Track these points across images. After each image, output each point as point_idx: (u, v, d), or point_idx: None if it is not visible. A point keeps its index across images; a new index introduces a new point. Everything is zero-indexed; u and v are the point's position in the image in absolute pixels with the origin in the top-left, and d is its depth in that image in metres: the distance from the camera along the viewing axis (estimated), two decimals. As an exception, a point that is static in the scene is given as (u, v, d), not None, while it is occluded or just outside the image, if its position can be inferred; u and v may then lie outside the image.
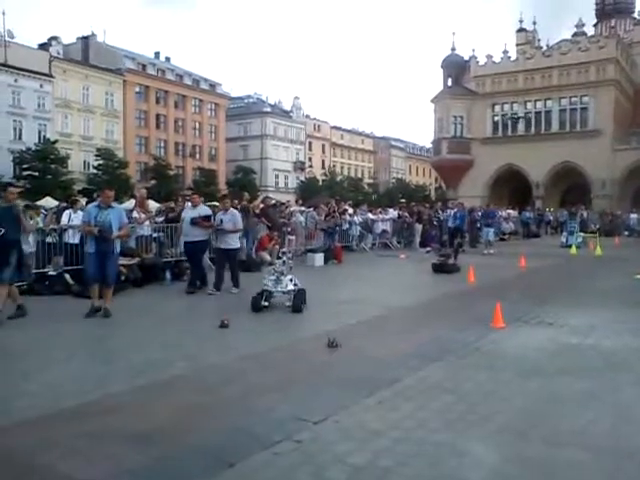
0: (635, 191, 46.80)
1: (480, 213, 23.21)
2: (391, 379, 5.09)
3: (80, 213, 10.59)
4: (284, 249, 9.62)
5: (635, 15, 59.28)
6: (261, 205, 16.33)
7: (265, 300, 8.44)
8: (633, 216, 35.04)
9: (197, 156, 64.35)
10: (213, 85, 67.94)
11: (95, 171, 47.94)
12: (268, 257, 15.18)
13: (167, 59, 66.90)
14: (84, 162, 52.31)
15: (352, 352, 6.20)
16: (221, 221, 10.39)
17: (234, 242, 10.80)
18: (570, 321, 7.84)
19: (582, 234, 24.27)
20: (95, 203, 8.55)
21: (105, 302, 8.07)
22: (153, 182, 50.73)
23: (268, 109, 74.68)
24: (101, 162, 48.24)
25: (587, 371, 5.51)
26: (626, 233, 32.76)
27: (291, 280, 8.70)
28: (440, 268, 13.54)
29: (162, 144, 61.76)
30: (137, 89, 58.93)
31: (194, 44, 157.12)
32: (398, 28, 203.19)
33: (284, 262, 8.90)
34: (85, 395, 4.67)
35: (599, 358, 5.99)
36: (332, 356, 6.03)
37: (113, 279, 8.32)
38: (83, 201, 13.82)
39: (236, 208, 12.35)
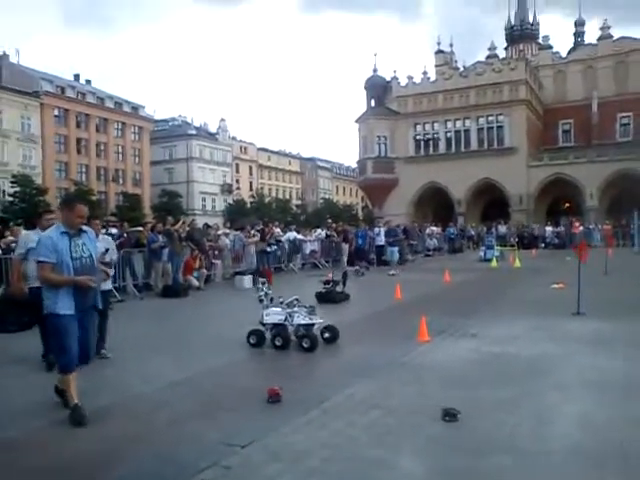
0: (549, 205, 49.32)
1: (383, 231, 22.35)
2: (320, 398, 5.08)
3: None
4: (262, 280, 8.53)
5: (540, 41, 62.90)
6: (187, 228, 16.12)
7: (327, 332, 7.64)
8: (548, 229, 36.92)
9: (120, 181, 62.80)
10: (136, 108, 66.69)
11: (11, 199, 45.84)
12: (196, 282, 14.96)
13: (87, 82, 65.17)
14: (-1, 189, 49.98)
15: (280, 373, 6.16)
16: (106, 251, 6.21)
17: (108, 280, 7.06)
18: (492, 332, 8.12)
19: (500, 248, 25.20)
20: (58, 228, 4.85)
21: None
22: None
23: (193, 132, 74.00)
24: (17, 189, 46.16)
25: (510, 379, 5.71)
26: (542, 245, 34.38)
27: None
28: (325, 297, 11.56)
29: (83, 169, 59.92)
30: (56, 112, 56.96)
31: (114, 67, 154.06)
32: (322, 50, 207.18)
33: (265, 293, 7.88)
34: (-2, 434, 4.41)
35: (521, 366, 6.22)
36: (259, 379, 5.97)
37: (95, 352, 5.33)
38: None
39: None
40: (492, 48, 56.60)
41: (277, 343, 7.37)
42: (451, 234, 33.40)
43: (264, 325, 7.60)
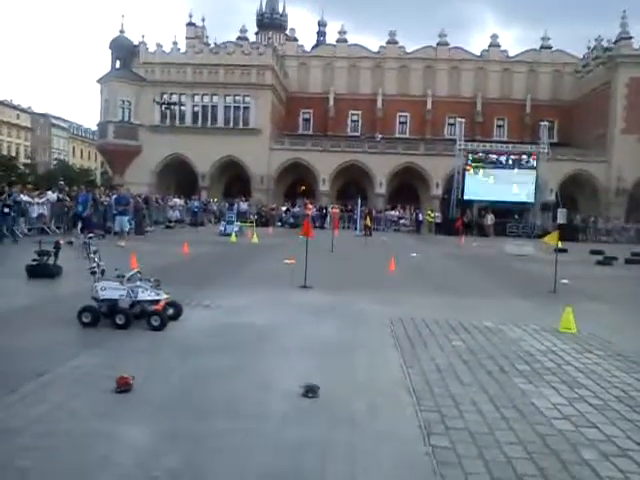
0: (288, 186, 52.37)
1: (113, 198, 20.93)
2: (39, 370, 4.71)
3: None
4: (94, 249, 7.09)
5: (287, 32, 66.18)
6: None
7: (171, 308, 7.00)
8: (285, 209, 39.32)
9: None
10: None
11: None
12: None
13: None
14: None
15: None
16: None
17: None
18: (225, 302, 8.37)
19: (239, 223, 26.05)
20: None
21: None
22: None
23: None
24: None
25: (239, 346, 5.97)
26: (279, 224, 36.47)
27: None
28: (37, 271, 10.04)
29: None
30: None
31: None
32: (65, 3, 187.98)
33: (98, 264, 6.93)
34: None
35: (250, 334, 6.54)
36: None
37: None
38: None
39: None
40: (243, 30, 57.68)
41: (118, 322, 6.49)
42: (194, 207, 33.48)
43: (98, 301, 6.67)
